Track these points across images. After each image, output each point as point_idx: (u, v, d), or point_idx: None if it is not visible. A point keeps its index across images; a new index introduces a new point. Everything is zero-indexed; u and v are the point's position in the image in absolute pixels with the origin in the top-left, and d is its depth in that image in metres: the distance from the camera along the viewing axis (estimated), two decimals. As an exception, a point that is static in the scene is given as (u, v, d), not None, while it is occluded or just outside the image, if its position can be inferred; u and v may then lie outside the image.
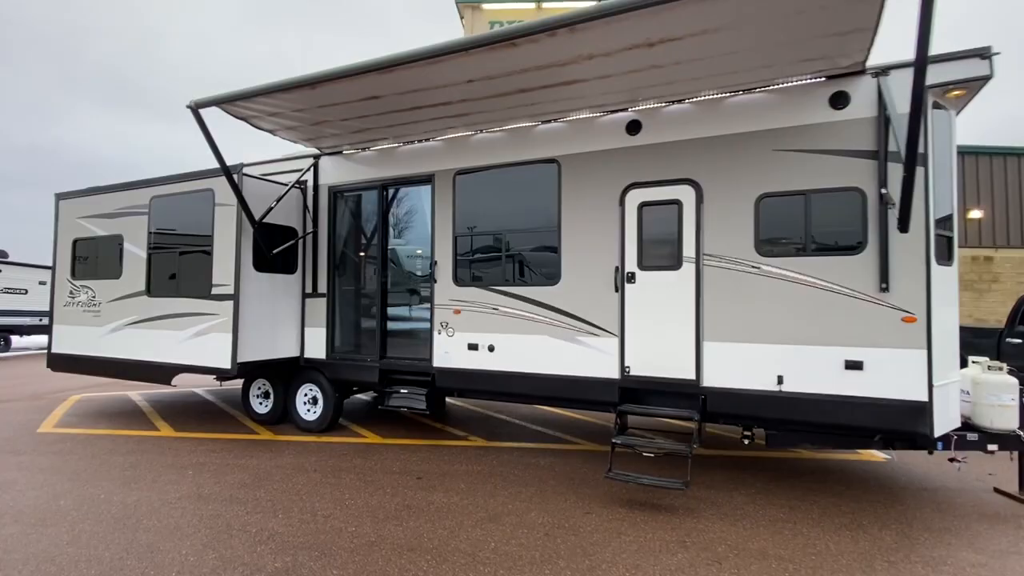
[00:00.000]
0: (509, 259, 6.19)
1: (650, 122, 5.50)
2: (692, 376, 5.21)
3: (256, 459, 6.13)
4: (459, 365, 6.36)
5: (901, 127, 4.28)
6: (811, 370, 4.77)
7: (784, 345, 4.88)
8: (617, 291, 5.56)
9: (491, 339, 6.17)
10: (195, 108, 5.74)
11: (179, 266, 7.30)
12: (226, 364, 6.65)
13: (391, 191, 7.10)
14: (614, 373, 5.56)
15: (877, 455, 6.49)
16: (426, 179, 6.70)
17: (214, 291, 6.85)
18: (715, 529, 4.37)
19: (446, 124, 6.13)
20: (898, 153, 4.47)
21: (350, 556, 3.82)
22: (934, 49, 4.66)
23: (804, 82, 4.90)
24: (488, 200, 6.31)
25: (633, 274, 5.49)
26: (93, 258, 8.18)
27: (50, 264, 8.72)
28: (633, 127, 5.56)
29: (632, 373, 5.47)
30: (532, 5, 14.67)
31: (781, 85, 4.98)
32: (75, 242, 8.39)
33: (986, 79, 4.41)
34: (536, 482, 5.44)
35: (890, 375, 4.51)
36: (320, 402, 7.37)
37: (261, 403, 7.87)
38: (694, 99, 5.33)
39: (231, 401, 9.44)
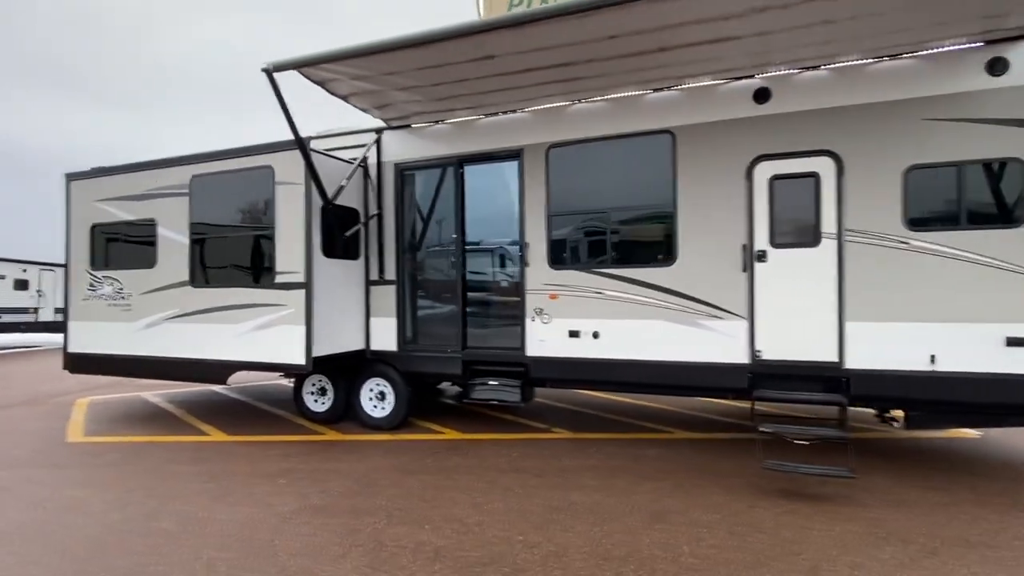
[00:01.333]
0: (614, 239, 5.79)
1: (781, 89, 5.17)
2: (834, 358, 4.97)
3: (344, 463, 5.57)
4: (557, 354, 5.95)
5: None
6: (967, 348, 4.59)
7: (936, 323, 4.68)
8: (745, 271, 5.25)
9: (595, 325, 5.78)
10: (271, 72, 5.08)
11: (231, 253, 6.57)
12: (299, 359, 6.02)
13: (468, 167, 6.54)
14: (742, 358, 5.26)
15: (968, 432, 6.47)
16: (513, 154, 6.20)
17: (278, 279, 6.18)
18: (895, 518, 4.15)
19: (546, 91, 5.65)
20: (1070, 120, 4.31)
21: (545, 570, 3.40)
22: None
23: (957, 48, 4.66)
24: (587, 175, 5.87)
25: (764, 252, 5.19)
26: (119, 245, 7.30)
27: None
28: (761, 95, 5.22)
29: (764, 357, 5.19)
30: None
31: (932, 51, 4.74)
32: (94, 228, 7.47)
33: None
34: (664, 475, 5.12)
35: (1058, 351, 4.37)
36: (389, 397, 6.82)
37: (317, 400, 7.24)
38: (831, 65, 5.03)
39: (263, 398, 8.73)
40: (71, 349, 7.57)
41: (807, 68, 5.10)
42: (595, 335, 5.79)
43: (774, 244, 5.17)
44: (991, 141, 4.55)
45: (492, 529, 4.00)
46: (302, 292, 6.04)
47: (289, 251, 6.12)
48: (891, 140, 4.81)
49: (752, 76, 5.26)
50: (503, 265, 6.57)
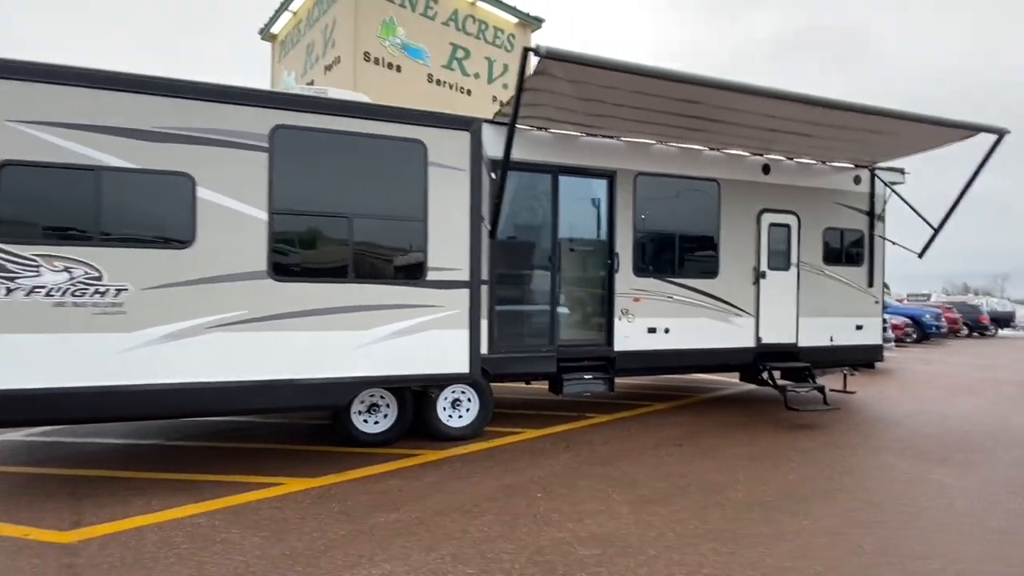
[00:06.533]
0: (681, 255, 7.43)
1: (776, 168, 7.92)
2: (793, 340, 8.02)
3: (532, 468, 5.38)
4: (639, 347, 7.14)
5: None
6: (846, 331, 8.33)
7: (834, 318, 8.29)
8: (755, 284, 7.79)
9: (667, 322, 7.28)
10: (537, 54, 4.79)
11: (349, 239, 5.03)
12: (462, 367, 5.36)
13: (563, 177, 6.91)
14: (752, 342, 7.77)
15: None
16: (606, 174, 7.04)
17: (431, 276, 5.24)
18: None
19: (658, 131, 6.86)
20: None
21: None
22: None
23: (843, 164, 8.38)
24: (664, 203, 7.34)
25: (765, 272, 7.84)
26: (84, 206, 4.32)
27: None
28: (766, 169, 7.86)
29: (764, 341, 7.83)
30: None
31: (838, 164, 8.32)
32: (3, 168, 4.13)
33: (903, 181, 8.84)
34: (739, 428, 7.09)
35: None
36: (468, 404, 6.43)
37: (367, 420, 6.06)
38: (801, 160, 8.07)
39: (159, 435, 6.27)
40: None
41: (790, 158, 8.02)
42: (666, 331, 7.29)
43: (770, 267, 7.90)
44: (847, 220, 8.41)
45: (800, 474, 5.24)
46: (465, 291, 5.38)
47: (446, 245, 5.31)
48: (817, 211, 8.19)
49: (762, 155, 7.86)
50: (591, 269, 7.21)
